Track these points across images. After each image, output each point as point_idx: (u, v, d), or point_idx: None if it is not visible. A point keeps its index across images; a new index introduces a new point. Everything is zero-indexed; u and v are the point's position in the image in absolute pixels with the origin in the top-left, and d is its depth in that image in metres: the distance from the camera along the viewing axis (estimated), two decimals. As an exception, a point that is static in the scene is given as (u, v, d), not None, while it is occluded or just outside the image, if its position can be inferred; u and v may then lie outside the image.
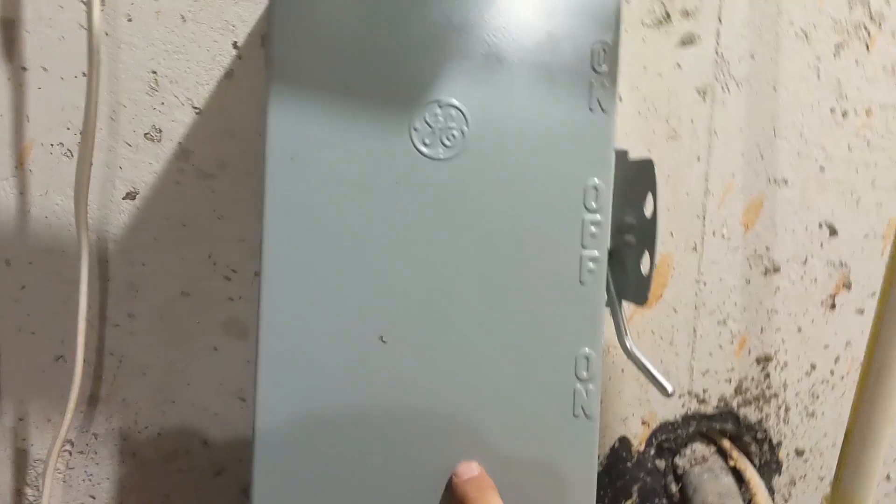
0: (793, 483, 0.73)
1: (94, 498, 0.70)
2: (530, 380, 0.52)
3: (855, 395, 0.52)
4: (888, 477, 0.74)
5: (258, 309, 0.50)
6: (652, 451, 0.71)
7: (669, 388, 0.55)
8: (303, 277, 0.50)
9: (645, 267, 0.53)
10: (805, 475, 0.73)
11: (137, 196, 0.67)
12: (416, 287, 0.51)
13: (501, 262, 0.51)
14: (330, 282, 0.50)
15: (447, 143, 0.50)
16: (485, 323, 0.51)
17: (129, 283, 0.68)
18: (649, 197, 0.54)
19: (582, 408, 0.53)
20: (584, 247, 0.52)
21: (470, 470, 0.49)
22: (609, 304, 0.57)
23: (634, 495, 0.71)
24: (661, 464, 0.71)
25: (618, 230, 0.59)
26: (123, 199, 0.67)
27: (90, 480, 0.70)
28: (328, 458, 0.51)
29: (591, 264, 0.52)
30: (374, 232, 0.51)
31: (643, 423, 0.71)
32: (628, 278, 0.56)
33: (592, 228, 0.52)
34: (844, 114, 0.69)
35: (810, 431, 0.72)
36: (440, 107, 0.50)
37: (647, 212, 0.54)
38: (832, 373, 0.72)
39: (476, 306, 0.51)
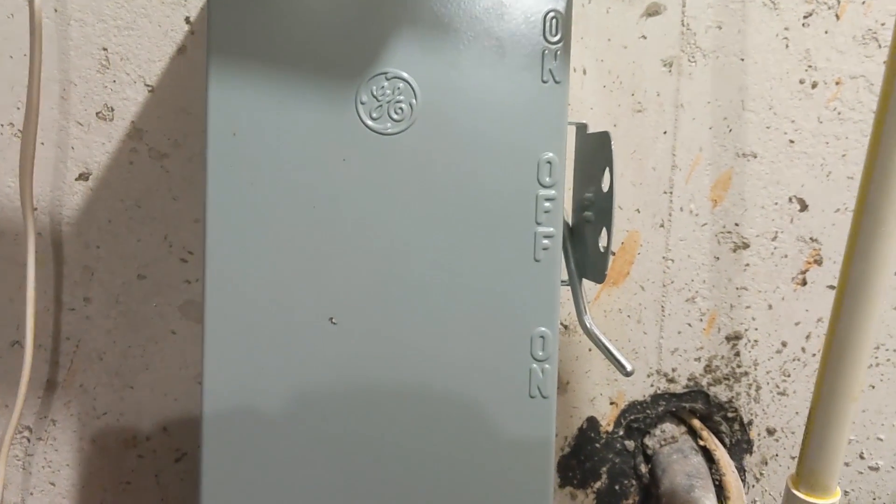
0: (764, 462, 0.72)
1: (53, 485, 0.69)
2: (485, 360, 0.51)
3: (818, 372, 0.51)
4: (861, 455, 0.73)
5: (203, 291, 0.49)
6: (621, 432, 0.70)
7: (629, 367, 0.53)
8: (248, 259, 0.49)
9: (603, 243, 0.52)
10: (777, 454, 0.72)
11: (90, 177, 0.66)
12: (366, 267, 0.50)
13: (453, 240, 0.50)
14: (277, 263, 0.49)
15: (395, 116, 0.49)
16: (437, 303, 0.50)
17: (84, 266, 0.67)
18: (607, 171, 0.52)
19: (538, 388, 0.51)
20: (538, 223, 0.50)
21: None
22: (569, 281, 0.56)
23: (603, 476, 0.70)
24: (630, 444, 0.70)
25: (579, 207, 0.58)
26: (76, 180, 0.66)
27: (49, 467, 0.69)
28: (278, 441, 0.50)
29: (546, 241, 0.50)
30: (321, 210, 0.49)
31: (611, 402, 0.70)
32: (588, 255, 0.55)
33: (547, 204, 0.50)
34: (814, 85, 0.68)
35: (781, 410, 0.71)
36: (387, 79, 0.49)
37: (605, 186, 0.52)
38: (803, 350, 0.70)
39: (428, 286, 0.50)
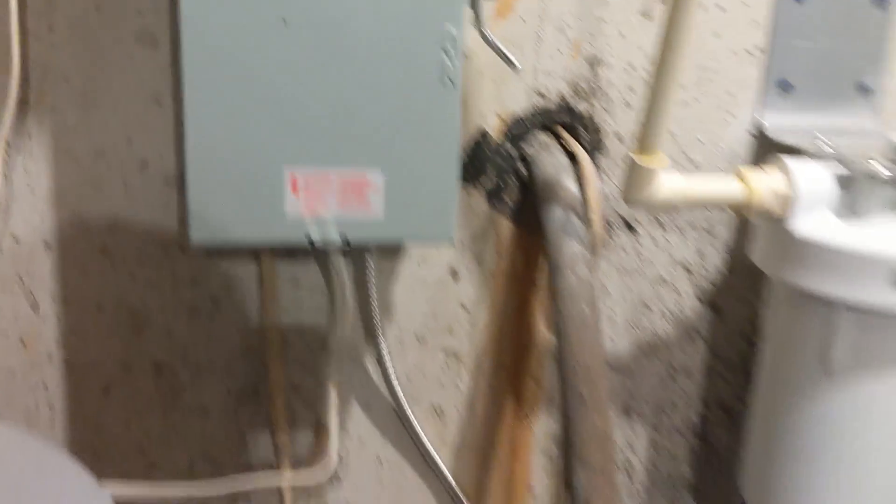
0: (615, 162, 0.91)
1: (33, 191, 0.81)
2: (404, 52, 0.66)
3: (657, 66, 0.68)
4: (685, 153, 0.93)
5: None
6: (506, 141, 0.88)
7: (518, 65, 0.70)
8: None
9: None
10: (625, 155, 0.91)
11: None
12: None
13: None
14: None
15: None
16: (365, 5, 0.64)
17: (44, -4, 0.76)
18: None
19: (448, 77, 0.67)
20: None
21: None
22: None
23: (491, 176, 0.88)
24: (512, 150, 0.88)
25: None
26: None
27: (28, 175, 0.80)
28: (249, 123, 0.65)
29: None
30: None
31: (499, 118, 0.87)
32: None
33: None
34: None
35: (628, 120, 0.90)
36: None
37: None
38: (646, 70, 0.88)
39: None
